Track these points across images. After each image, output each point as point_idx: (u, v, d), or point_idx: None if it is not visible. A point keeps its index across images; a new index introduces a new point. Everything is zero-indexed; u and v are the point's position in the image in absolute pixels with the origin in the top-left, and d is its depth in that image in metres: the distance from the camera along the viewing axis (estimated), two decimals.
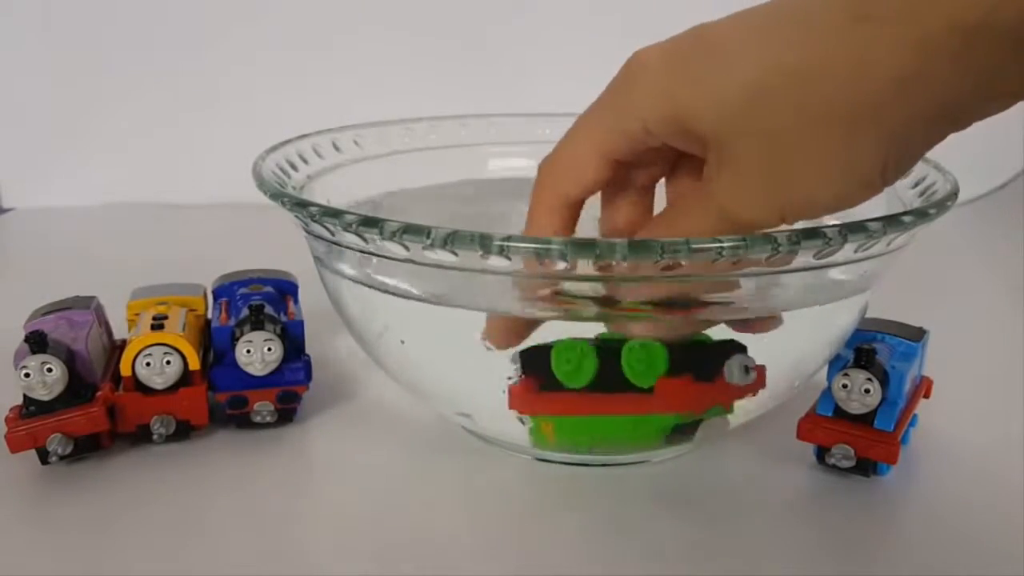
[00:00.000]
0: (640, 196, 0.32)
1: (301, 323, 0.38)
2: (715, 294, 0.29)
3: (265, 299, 0.38)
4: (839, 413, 0.33)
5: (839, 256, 0.27)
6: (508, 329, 0.31)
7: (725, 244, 0.25)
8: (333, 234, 0.30)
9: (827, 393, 0.34)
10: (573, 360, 0.30)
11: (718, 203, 0.27)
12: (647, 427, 0.32)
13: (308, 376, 0.37)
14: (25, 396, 0.33)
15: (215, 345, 0.37)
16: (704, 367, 0.30)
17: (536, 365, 0.30)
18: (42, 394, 0.33)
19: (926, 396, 0.37)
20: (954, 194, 0.31)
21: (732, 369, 0.30)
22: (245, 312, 0.36)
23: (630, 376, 0.30)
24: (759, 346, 0.31)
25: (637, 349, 0.30)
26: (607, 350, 0.30)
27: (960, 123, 0.25)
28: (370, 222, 0.27)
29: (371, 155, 0.43)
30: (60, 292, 0.39)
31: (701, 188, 0.27)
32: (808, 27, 0.25)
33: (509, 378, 0.31)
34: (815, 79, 0.24)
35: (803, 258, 0.27)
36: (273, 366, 0.36)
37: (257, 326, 0.36)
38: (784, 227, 0.26)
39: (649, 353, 0.29)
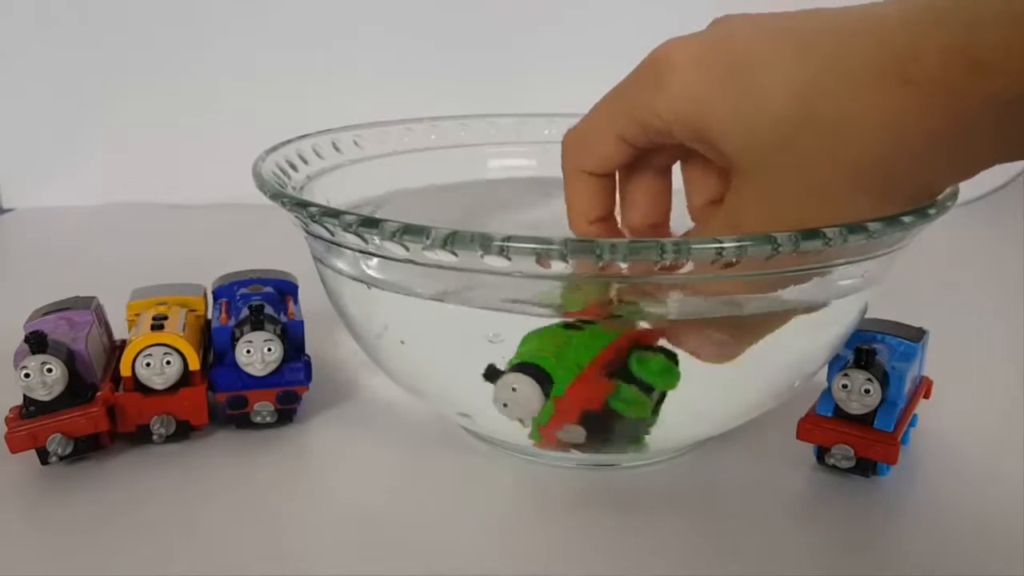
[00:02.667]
0: (658, 176, 0.33)
1: (301, 323, 0.38)
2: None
3: (265, 299, 0.38)
4: (839, 413, 0.33)
5: (839, 256, 0.27)
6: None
7: (725, 244, 0.25)
8: (333, 234, 0.30)
9: (827, 393, 0.34)
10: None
11: (742, 226, 0.27)
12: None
13: (308, 376, 0.37)
14: (25, 396, 0.33)
15: (215, 345, 0.37)
16: None
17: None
18: (42, 394, 0.33)
19: (926, 396, 0.37)
20: (954, 194, 0.31)
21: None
22: (245, 312, 0.36)
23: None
24: (760, 346, 0.31)
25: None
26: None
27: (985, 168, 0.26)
28: (370, 222, 0.27)
29: (371, 155, 0.43)
30: (60, 292, 0.39)
31: (727, 210, 0.27)
32: (841, 74, 0.25)
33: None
34: (849, 134, 0.24)
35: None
36: (273, 366, 0.36)
37: (257, 326, 0.36)
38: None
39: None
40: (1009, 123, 0.23)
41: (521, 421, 0.31)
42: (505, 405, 0.29)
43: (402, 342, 0.33)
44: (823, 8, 0.26)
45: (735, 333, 0.30)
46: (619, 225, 0.33)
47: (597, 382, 0.29)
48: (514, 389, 0.29)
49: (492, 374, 0.30)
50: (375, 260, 0.30)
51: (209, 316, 0.40)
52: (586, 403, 0.30)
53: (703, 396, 0.32)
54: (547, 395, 0.29)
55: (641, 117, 0.28)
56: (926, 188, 0.27)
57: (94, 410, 0.34)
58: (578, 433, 0.30)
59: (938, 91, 0.23)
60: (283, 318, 0.38)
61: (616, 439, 0.32)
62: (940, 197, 0.31)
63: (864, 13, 0.25)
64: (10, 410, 0.34)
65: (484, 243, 0.25)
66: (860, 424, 0.33)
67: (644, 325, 0.30)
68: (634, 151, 0.30)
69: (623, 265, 0.26)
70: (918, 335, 0.36)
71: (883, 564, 0.30)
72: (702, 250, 0.25)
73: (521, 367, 0.29)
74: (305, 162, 0.39)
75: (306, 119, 0.43)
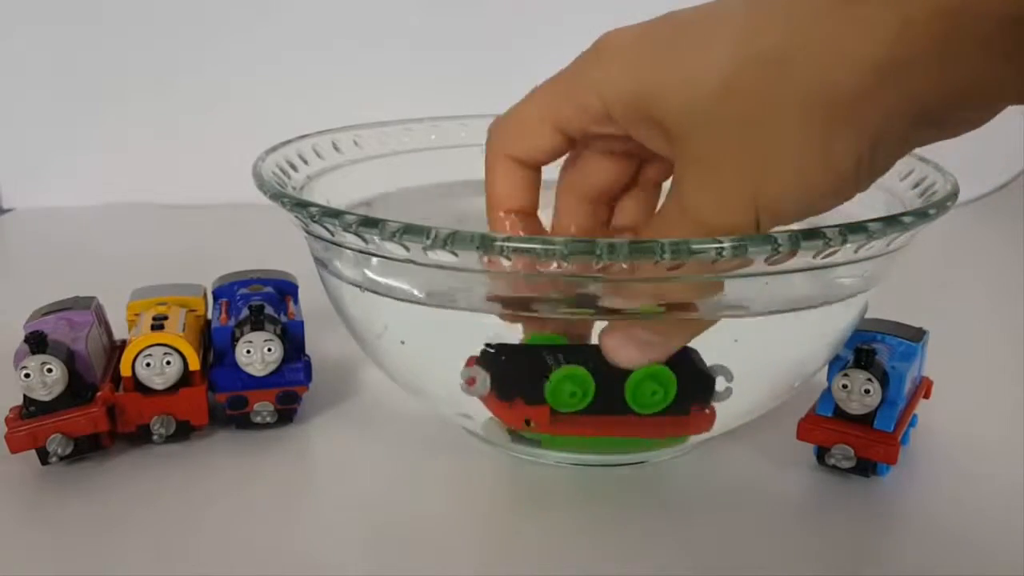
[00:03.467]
0: (647, 194, 0.32)
1: (301, 323, 0.38)
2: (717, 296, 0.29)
3: (265, 299, 0.38)
4: (839, 413, 0.33)
5: (839, 256, 0.27)
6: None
7: (725, 244, 0.25)
8: (333, 234, 0.30)
9: (827, 393, 0.34)
10: (578, 391, 0.30)
11: (686, 205, 0.26)
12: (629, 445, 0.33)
13: (308, 376, 0.37)
14: (25, 396, 0.33)
15: (215, 345, 0.37)
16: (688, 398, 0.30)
17: (512, 379, 0.30)
18: (42, 394, 0.33)
19: (926, 396, 0.37)
20: (954, 194, 0.31)
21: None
22: (245, 312, 0.36)
23: (632, 403, 0.30)
24: (759, 347, 0.31)
25: (647, 380, 0.29)
26: (606, 375, 0.29)
27: (944, 128, 0.24)
28: (370, 222, 0.27)
29: (371, 155, 0.43)
30: (60, 292, 0.39)
31: (672, 198, 0.26)
32: (789, 10, 0.24)
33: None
34: (792, 65, 0.23)
35: (803, 258, 0.27)
36: (273, 366, 0.36)
37: (257, 326, 0.36)
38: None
39: (661, 383, 0.29)
40: (961, 43, 0.22)
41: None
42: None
43: (402, 342, 0.33)
44: None
45: (666, 331, 0.29)
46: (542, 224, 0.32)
47: None
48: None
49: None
50: (375, 260, 0.30)
51: (209, 316, 0.40)
52: None
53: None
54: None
55: (579, 99, 0.27)
56: (870, 145, 0.24)
57: (94, 410, 0.34)
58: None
59: (880, 5, 0.22)
60: (283, 318, 0.38)
61: None
62: (940, 197, 0.31)
63: None
64: (10, 410, 0.34)
65: (484, 243, 0.25)
66: (860, 424, 0.33)
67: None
68: (565, 143, 0.29)
69: (624, 265, 0.26)
70: (918, 335, 0.36)
71: (883, 564, 0.30)
72: (702, 250, 0.25)
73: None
74: (305, 162, 0.39)
75: (306, 119, 0.43)
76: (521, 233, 0.31)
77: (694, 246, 0.25)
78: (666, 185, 0.32)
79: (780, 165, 0.24)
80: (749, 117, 0.24)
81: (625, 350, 0.28)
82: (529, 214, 0.31)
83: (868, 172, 0.25)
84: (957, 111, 0.24)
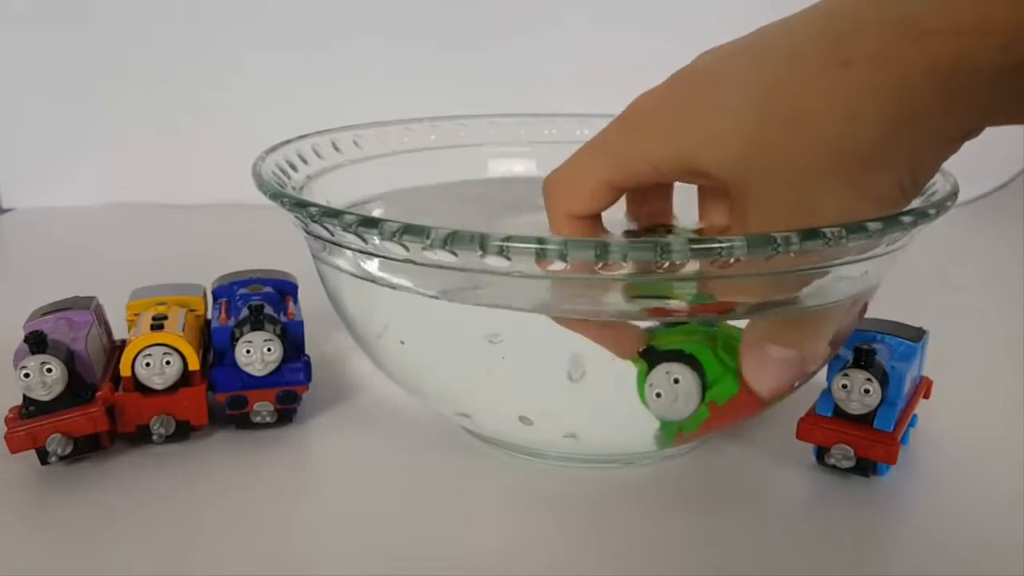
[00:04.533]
0: (663, 188, 0.33)
1: (301, 323, 0.38)
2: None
3: (265, 299, 0.38)
4: (839, 413, 0.33)
5: (839, 256, 0.27)
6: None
7: (725, 244, 0.25)
8: (332, 234, 0.30)
9: (827, 393, 0.34)
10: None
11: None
12: None
13: (308, 376, 0.37)
14: (25, 396, 0.33)
15: (215, 345, 0.37)
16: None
17: None
18: (42, 394, 0.33)
19: (926, 396, 0.37)
20: (954, 194, 0.31)
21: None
22: (245, 312, 0.36)
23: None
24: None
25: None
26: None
27: (972, 135, 0.25)
28: (370, 222, 0.27)
29: (371, 155, 0.43)
30: (60, 292, 0.39)
31: (737, 225, 0.27)
32: (794, 67, 0.25)
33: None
34: (814, 124, 0.24)
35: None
36: (273, 366, 0.36)
37: (257, 326, 0.36)
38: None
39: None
40: (960, 93, 0.23)
41: (661, 419, 0.29)
42: (658, 396, 0.27)
43: (402, 342, 0.33)
44: (784, 17, 0.27)
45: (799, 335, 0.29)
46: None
47: (750, 395, 0.28)
48: (676, 381, 0.27)
49: (650, 355, 0.28)
50: (375, 260, 0.30)
51: (209, 316, 0.40)
52: (743, 414, 0.29)
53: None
54: (703, 398, 0.27)
55: (629, 166, 0.29)
56: (908, 173, 0.26)
57: (94, 410, 0.34)
58: None
59: (879, 67, 0.23)
60: (283, 318, 0.38)
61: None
62: (940, 197, 0.31)
63: (816, 6, 0.26)
64: (10, 410, 0.34)
65: (484, 243, 0.25)
66: (860, 424, 0.33)
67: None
68: (619, 195, 0.30)
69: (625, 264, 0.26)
70: (918, 335, 0.36)
71: (883, 564, 0.30)
72: (702, 250, 0.25)
73: (681, 357, 0.27)
74: (305, 162, 0.39)
75: (306, 119, 0.43)
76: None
77: (693, 246, 0.25)
78: None
79: (828, 204, 0.25)
80: (786, 167, 0.25)
81: (762, 375, 0.28)
82: None
83: (913, 189, 0.26)
84: (979, 129, 0.25)
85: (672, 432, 0.31)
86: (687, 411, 0.28)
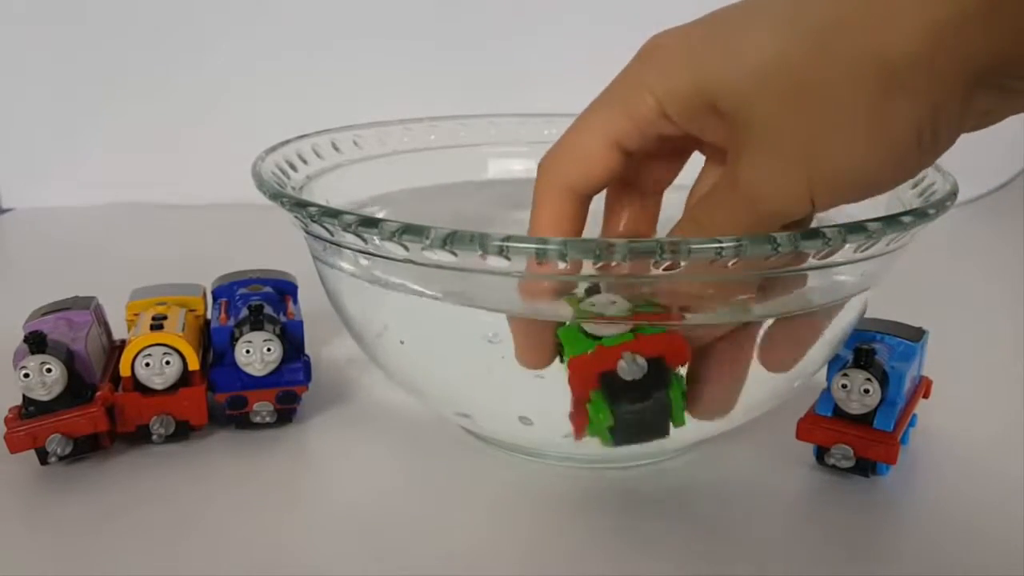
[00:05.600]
0: (645, 202, 0.31)
1: (300, 323, 0.38)
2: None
3: (264, 299, 0.38)
4: (838, 413, 0.33)
5: (839, 256, 0.27)
6: (539, 345, 0.29)
7: (725, 244, 0.25)
8: (332, 234, 0.30)
9: (826, 393, 0.34)
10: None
11: (742, 189, 0.25)
12: None
13: (307, 376, 0.37)
14: (24, 396, 0.33)
15: (214, 345, 0.37)
16: None
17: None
18: (41, 394, 0.33)
19: (925, 396, 0.37)
20: (954, 194, 0.31)
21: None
22: (244, 312, 0.36)
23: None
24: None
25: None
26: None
27: (1005, 95, 0.23)
28: (369, 222, 0.27)
29: (371, 155, 0.43)
30: (60, 292, 0.39)
31: (725, 177, 0.26)
32: None
33: None
34: (842, 32, 0.23)
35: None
36: (272, 366, 0.36)
37: (256, 326, 0.36)
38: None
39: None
40: (1009, 6, 0.21)
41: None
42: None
43: (402, 342, 0.33)
44: None
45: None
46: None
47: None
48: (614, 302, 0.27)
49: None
50: (375, 260, 0.30)
51: (208, 316, 0.40)
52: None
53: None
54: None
55: (632, 107, 0.27)
56: (930, 113, 0.23)
57: (93, 410, 0.34)
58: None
59: None
60: (282, 318, 0.38)
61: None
62: (939, 196, 0.31)
63: None
64: (9, 410, 0.34)
65: (483, 243, 0.25)
66: (860, 424, 0.33)
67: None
68: (621, 161, 0.28)
69: (624, 265, 0.26)
70: (917, 335, 0.36)
71: (883, 564, 0.30)
72: (701, 250, 0.25)
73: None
74: (304, 162, 0.39)
75: (306, 119, 0.43)
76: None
77: (693, 245, 0.25)
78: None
79: (833, 138, 0.24)
80: (801, 89, 0.24)
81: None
82: None
83: (932, 142, 0.24)
84: (1011, 76, 0.23)
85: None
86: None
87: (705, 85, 0.25)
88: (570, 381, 0.28)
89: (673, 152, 0.30)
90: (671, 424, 0.28)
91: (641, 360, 0.27)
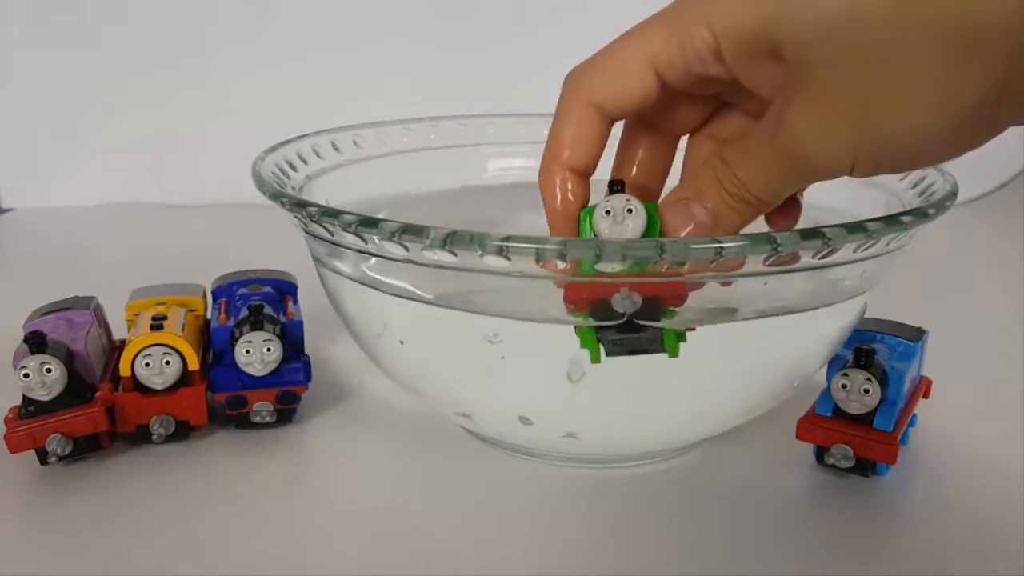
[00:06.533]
0: (660, 148, 0.30)
1: (300, 323, 0.38)
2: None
3: (264, 299, 0.38)
4: (838, 413, 0.33)
5: (839, 256, 0.27)
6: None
7: (725, 244, 0.25)
8: (332, 234, 0.30)
9: (826, 393, 0.34)
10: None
11: (783, 139, 0.24)
12: None
13: (307, 376, 0.37)
14: (24, 396, 0.33)
15: (214, 345, 0.37)
16: None
17: None
18: (41, 394, 0.33)
19: (925, 396, 0.37)
20: (953, 194, 0.31)
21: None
22: (244, 312, 0.36)
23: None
24: (759, 346, 0.31)
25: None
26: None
27: None
28: (369, 222, 0.27)
29: (370, 155, 0.43)
30: (60, 292, 0.39)
31: (766, 125, 0.25)
32: None
33: None
34: None
35: (803, 258, 0.27)
36: (272, 366, 0.36)
37: (256, 326, 0.36)
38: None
39: None
40: None
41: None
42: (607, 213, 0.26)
43: (401, 342, 0.33)
44: None
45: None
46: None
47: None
48: (630, 211, 0.26)
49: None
50: (374, 260, 0.30)
51: (208, 316, 0.40)
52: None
53: (703, 396, 0.32)
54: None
55: (688, 34, 0.26)
56: (999, 86, 0.22)
57: (93, 410, 0.34)
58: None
59: None
60: (282, 318, 0.38)
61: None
62: (940, 196, 0.31)
63: None
64: (9, 410, 0.34)
65: (483, 243, 0.25)
66: (859, 424, 0.33)
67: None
68: (657, 91, 0.27)
69: (620, 267, 0.26)
70: (917, 335, 0.36)
71: (883, 564, 0.30)
72: (701, 250, 0.25)
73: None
74: (304, 162, 0.39)
75: (306, 119, 0.43)
76: (570, 194, 0.29)
77: (693, 246, 0.25)
78: None
79: (893, 100, 0.23)
80: (874, 45, 0.23)
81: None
82: (583, 175, 0.29)
83: (990, 119, 0.23)
84: None
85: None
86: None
87: (772, 27, 0.24)
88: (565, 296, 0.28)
89: (704, 98, 0.29)
90: (666, 353, 0.28)
91: (637, 297, 0.27)
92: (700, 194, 0.27)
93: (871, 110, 0.23)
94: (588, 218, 0.27)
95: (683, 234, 0.27)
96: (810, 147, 0.24)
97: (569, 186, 0.29)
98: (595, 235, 0.27)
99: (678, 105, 0.29)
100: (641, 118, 0.30)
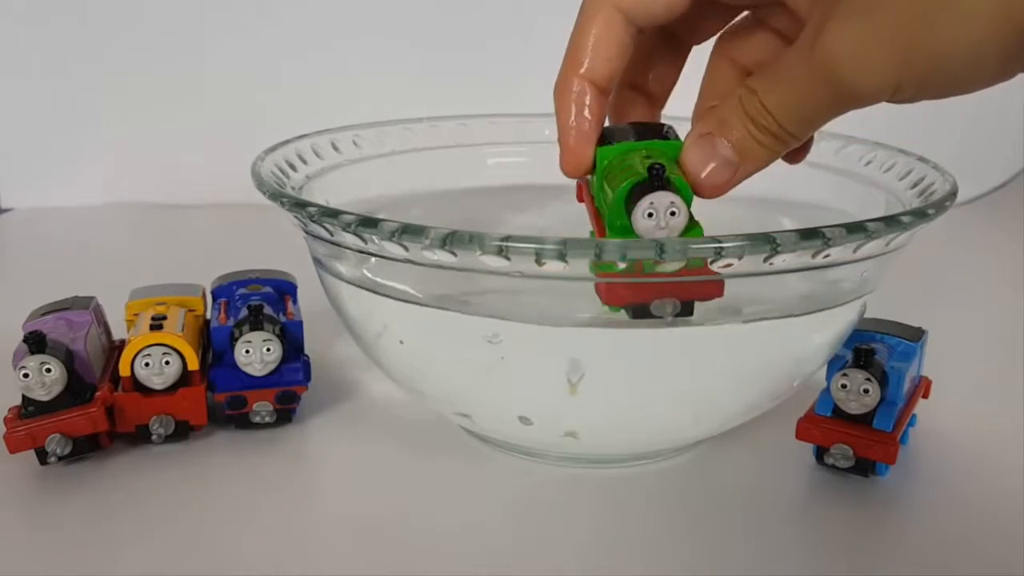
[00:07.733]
0: (679, 54, 0.29)
1: (300, 323, 0.38)
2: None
3: (264, 299, 0.38)
4: (838, 413, 0.33)
5: (838, 256, 0.27)
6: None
7: (725, 244, 0.25)
8: (332, 234, 0.30)
9: (826, 393, 0.34)
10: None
11: (820, 60, 0.22)
12: None
13: (307, 376, 0.37)
14: (24, 396, 0.33)
15: (214, 345, 0.37)
16: None
17: None
18: (41, 394, 0.33)
19: (925, 396, 0.37)
20: (953, 194, 0.31)
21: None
22: (244, 312, 0.36)
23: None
24: (759, 346, 0.31)
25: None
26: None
27: None
28: (369, 222, 0.27)
29: (370, 155, 0.43)
30: (59, 292, 0.39)
31: (799, 47, 0.23)
32: None
33: None
34: None
35: (802, 258, 0.27)
36: (272, 366, 0.36)
37: (256, 326, 0.36)
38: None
39: None
40: None
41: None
42: (650, 216, 0.25)
43: (401, 342, 0.33)
44: None
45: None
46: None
47: None
48: (673, 214, 0.25)
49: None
50: (374, 260, 0.30)
51: (208, 316, 0.40)
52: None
53: (703, 396, 0.32)
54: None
55: None
56: None
57: (93, 410, 0.34)
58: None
59: None
60: (282, 318, 0.38)
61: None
62: (939, 196, 0.31)
63: None
64: (9, 410, 0.34)
65: (482, 243, 0.25)
66: (859, 424, 0.33)
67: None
68: (687, 4, 0.25)
69: (622, 265, 0.26)
70: (917, 335, 0.36)
71: (882, 564, 0.30)
72: (701, 250, 0.25)
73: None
74: (304, 162, 0.39)
75: (306, 119, 0.43)
76: (586, 112, 0.27)
77: (692, 246, 0.25)
78: None
79: (948, 15, 0.21)
80: None
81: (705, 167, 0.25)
82: (603, 89, 0.27)
83: None
84: None
85: None
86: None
87: None
88: (599, 288, 0.27)
89: (734, 8, 0.27)
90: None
91: (676, 304, 0.26)
92: (724, 127, 0.25)
93: (921, 29, 0.21)
94: (605, 162, 0.26)
95: (706, 171, 0.25)
96: (850, 66, 0.22)
97: (587, 100, 0.27)
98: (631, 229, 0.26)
99: (706, 16, 0.27)
100: (662, 25, 0.28)
